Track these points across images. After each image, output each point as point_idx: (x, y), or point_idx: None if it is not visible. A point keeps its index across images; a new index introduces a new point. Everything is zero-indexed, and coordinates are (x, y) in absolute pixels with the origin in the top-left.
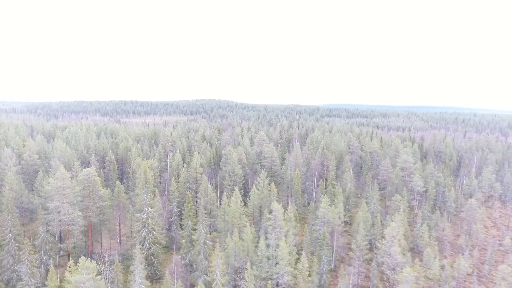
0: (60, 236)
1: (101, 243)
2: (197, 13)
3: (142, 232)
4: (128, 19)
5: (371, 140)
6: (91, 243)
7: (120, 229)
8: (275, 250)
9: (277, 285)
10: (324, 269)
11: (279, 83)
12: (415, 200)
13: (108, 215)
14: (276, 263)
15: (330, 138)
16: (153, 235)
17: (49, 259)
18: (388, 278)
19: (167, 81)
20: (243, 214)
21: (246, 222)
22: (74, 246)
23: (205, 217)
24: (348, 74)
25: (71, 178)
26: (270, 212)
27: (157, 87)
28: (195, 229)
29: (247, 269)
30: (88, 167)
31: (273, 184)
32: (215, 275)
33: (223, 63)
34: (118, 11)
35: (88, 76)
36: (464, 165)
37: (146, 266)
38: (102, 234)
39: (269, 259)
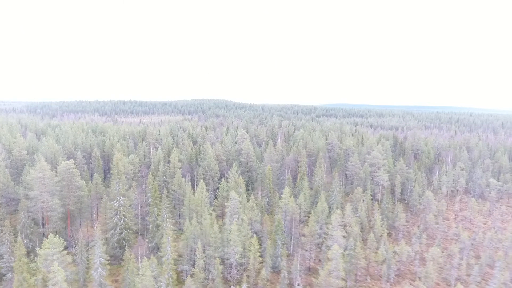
0: (43, 223)
1: (80, 229)
2: (197, 14)
3: (114, 219)
4: (130, 19)
5: (354, 138)
6: (69, 229)
7: (98, 217)
8: (229, 233)
9: (230, 264)
10: (279, 252)
11: (281, 83)
12: (380, 193)
13: (86, 204)
14: (228, 244)
15: (310, 136)
16: (124, 221)
17: (30, 242)
18: None
19: (168, 81)
20: (206, 203)
21: (209, 209)
22: (55, 231)
23: (168, 205)
24: (350, 74)
25: (52, 170)
26: (228, 200)
27: (158, 87)
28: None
29: (198, 248)
30: (74, 162)
31: (241, 177)
32: (166, 251)
33: (224, 63)
34: (120, 11)
35: (89, 77)
36: (439, 162)
37: (118, 249)
38: (81, 222)
39: (223, 241)
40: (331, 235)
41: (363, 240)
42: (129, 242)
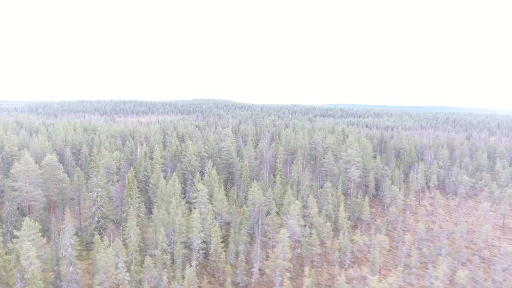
0: (28, 212)
1: (63, 218)
2: (199, 14)
3: (92, 209)
4: (133, 19)
5: (334, 137)
6: (52, 217)
7: (80, 208)
8: (194, 221)
9: (194, 249)
10: (243, 240)
11: (284, 83)
12: (351, 189)
13: (68, 195)
14: (192, 231)
15: (294, 135)
16: (101, 211)
17: (14, 228)
18: (295, 247)
19: (171, 81)
20: (178, 194)
21: (180, 200)
22: (38, 220)
23: (139, 195)
24: (353, 74)
25: (38, 164)
26: (196, 191)
27: (161, 88)
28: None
29: (160, 232)
30: (63, 157)
31: (214, 171)
32: (129, 233)
33: (227, 63)
34: (122, 12)
35: (92, 77)
36: (419, 160)
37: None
38: (65, 212)
39: (188, 227)
40: (287, 224)
41: (333, 231)
42: (106, 230)
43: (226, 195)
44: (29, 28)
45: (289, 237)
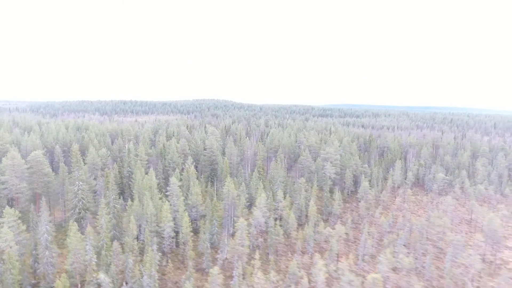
0: (14, 203)
1: (49, 210)
2: (201, 15)
3: (74, 201)
4: (136, 19)
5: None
6: (37, 209)
7: (65, 201)
8: (164, 211)
9: (164, 237)
10: (215, 230)
11: (287, 83)
12: (327, 185)
13: (53, 189)
14: (162, 220)
15: (279, 134)
16: (82, 203)
17: None
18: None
19: (173, 82)
20: (155, 188)
21: (156, 193)
22: (23, 211)
23: (115, 188)
24: (355, 75)
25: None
26: (168, 185)
27: (162, 88)
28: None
29: (131, 221)
30: (53, 154)
31: (192, 167)
32: (100, 221)
33: (229, 64)
34: (125, 13)
35: (94, 77)
36: (401, 158)
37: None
38: (51, 204)
39: (158, 217)
40: (253, 215)
41: (303, 223)
42: (86, 221)
43: (206, 190)
44: (32, 30)
45: (255, 227)
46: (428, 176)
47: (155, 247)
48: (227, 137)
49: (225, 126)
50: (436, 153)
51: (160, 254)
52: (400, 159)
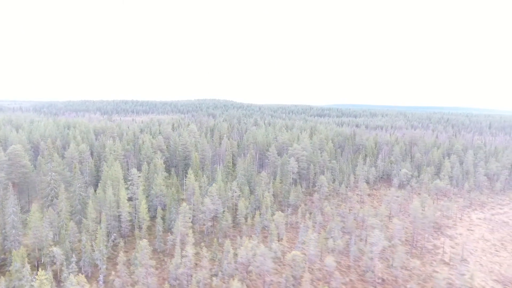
0: None
1: (25, 197)
2: (204, 15)
3: (47, 189)
4: (139, 19)
5: (302, 134)
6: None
7: (38, 190)
8: (122, 198)
9: (122, 220)
10: (173, 217)
11: (288, 83)
12: (289, 178)
13: (31, 179)
14: (119, 206)
15: (256, 132)
16: (54, 191)
17: None
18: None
19: (175, 81)
20: (121, 179)
21: (123, 183)
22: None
23: (80, 177)
24: (357, 75)
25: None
26: (129, 175)
27: (164, 88)
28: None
29: (89, 205)
30: (38, 149)
31: (161, 161)
32: (61, 205)
33: (231, 64)
34: (128, 13)
35: (97, 77)
36: (373, 155)
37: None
38: (29, 193)
39: (118, 203)
40: (205, 203)
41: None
42: (53, 206)
43: (172, 182)
44: (37, 30)
45: (203, 213)
46: (394, 172)
47: (103, 225)
48: (206, 135)
49: (210, 125)
50: (411, 151)
51: (115, 235)
52: (372, 156)
